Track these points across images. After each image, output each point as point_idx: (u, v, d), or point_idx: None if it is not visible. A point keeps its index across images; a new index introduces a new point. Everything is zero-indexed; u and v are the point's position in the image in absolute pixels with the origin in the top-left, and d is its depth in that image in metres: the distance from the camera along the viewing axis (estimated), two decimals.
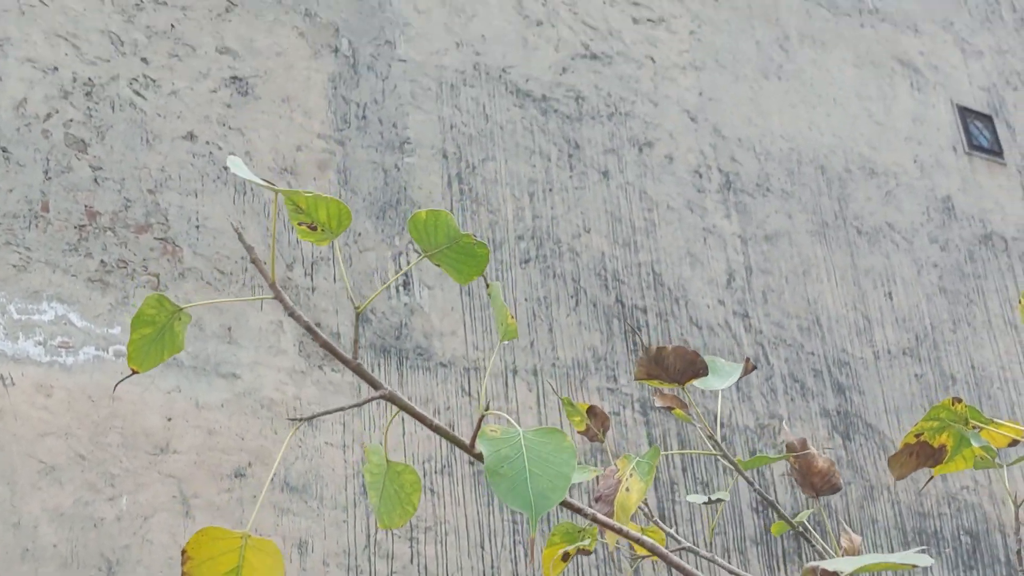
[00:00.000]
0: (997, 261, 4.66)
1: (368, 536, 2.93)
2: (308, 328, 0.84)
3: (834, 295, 4.16)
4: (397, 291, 3.28)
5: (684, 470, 3.57)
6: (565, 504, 0.89)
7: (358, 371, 0.86)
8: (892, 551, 3.85)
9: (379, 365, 3.15)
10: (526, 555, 3.17)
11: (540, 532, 3.21)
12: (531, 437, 0.84)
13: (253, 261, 0.86)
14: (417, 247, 3.37)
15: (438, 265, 0.96)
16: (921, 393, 4.19)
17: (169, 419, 2.79)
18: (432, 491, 3.08)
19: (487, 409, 0.85)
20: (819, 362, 4.00)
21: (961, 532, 4.01)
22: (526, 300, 3.51)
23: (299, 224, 0.92)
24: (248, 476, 2.83)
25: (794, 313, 4.03)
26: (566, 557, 1.18)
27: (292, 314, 0.85)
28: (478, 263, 0.94)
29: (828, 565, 0.78)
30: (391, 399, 0.86)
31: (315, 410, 2.99)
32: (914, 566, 0.75)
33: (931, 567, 3.88)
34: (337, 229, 0.93)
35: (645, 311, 3.72)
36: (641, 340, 3.55)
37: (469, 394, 3.27)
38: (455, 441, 0.88)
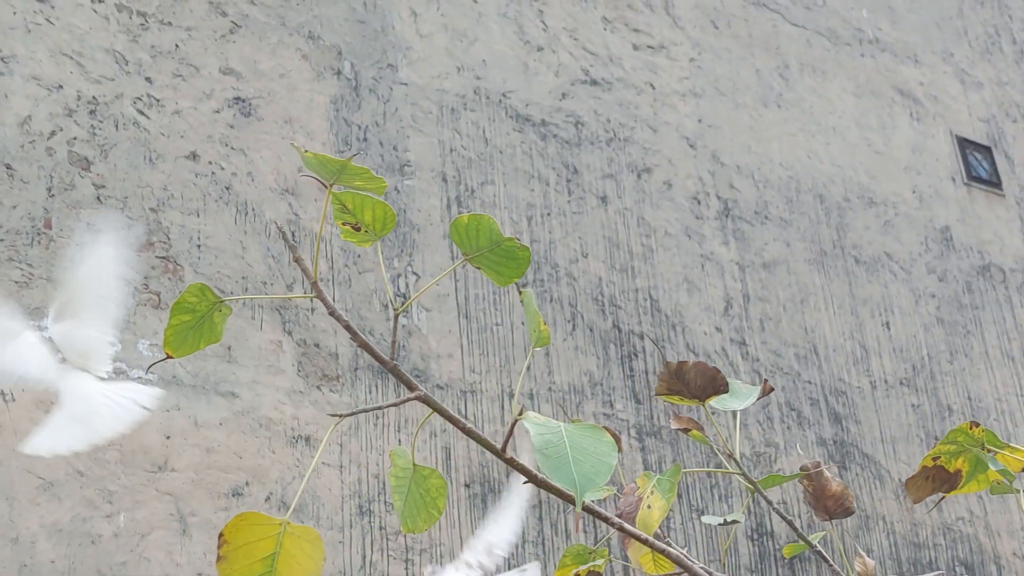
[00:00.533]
0: (995, 292, 4.68)
1: (364, 557, 2.93)
2: (348, 328, 0.85)
3: (832, 324, 4.17)
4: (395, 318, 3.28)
5: (680, 496, 3.57)
6: (592, 512, 0.90)
7: (395, 372, 0.87)
8: None
9: (376, 386, 3.16)
10: None
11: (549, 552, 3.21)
12: (572, 429, 0.86)
13: (296, 260, 0.87)
14: (413, 270, 3.38)
15: (478, 268, 0.97)
16: (918, 423, 4.20)
17: (168, 437, 2.80)
18: None
19: (521, 413, 0.87)
20: (816, 391, 4.01)
21: (956, 563, 4.01)
22: (523, 324, 3.52)
23: (343, 224, 0.93)
24: (245, 495, 2.83)
25: (791, 341, 4.04)
26: None
27: (333, 313, 0.86)
28: (519, 265, 0.95)
29: None
30: (426, 401, 0.87)
31: (313, 430, 2.99)
32: None
33: None
34: (381, 231, 0.94)
35: (642, 337, 3.73)
36: (663, 355, 3.56)
37: (466, 416, 3.27)
38: (486, 445, 0.89)
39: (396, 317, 0.85)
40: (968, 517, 4.12)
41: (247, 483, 2.84)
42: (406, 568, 2.98)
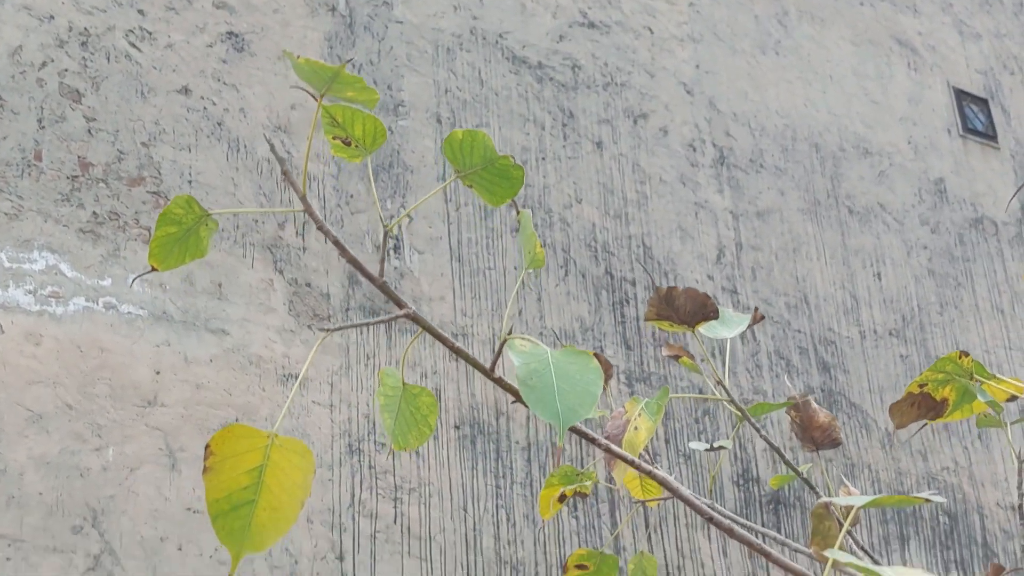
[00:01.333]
0: (987, 245, 4.68)
1: (353, 495, 2.94)
2: (337, 243, 0.84)
3: (823, 273, 4.17)
4: (387, 255, 3.28)
5: (667, 441, 3.58)
6: (578, 432, 0.90)
7: (383, 289, 0.86)
8: (871, 530, 3.87)
9: (367, 327, 3.15)
10: (508, 519, 3.18)
11: (539, 477, 3.22)
12: (559, 356, 0.85)
13: (284, 173, 0.85)
14: (410, 216, 3.37)
15: (470, 187, 0.95)
16: (906, 374, 4.21)
17: (157, 372, 2.79)
18: (417, 453, 3.08)
19: (510, 333, 0.86)
20: (805, 340, 4.01)
21: (939, 512, 4.04)
22: (515, 268, 3.51)
23: (334, 138, 0.92)
24: None
25: (782, 290, 4.04)
26: (562, 498, 1.18)
27: (321, 228, 0.85)
28: (512, 185, 0.94)
29: (840, 501, 0.79)
30: (414, 319, 0.86)
31: (302, 369, 2.99)
32: (927, 500, 0.75)
33: (909, 547, 3.91)
34: (371, 146, 0.92)
35: (634, 283, 3.72)
36: (652, 280, 3.55)
37: (457, 359, 3.27)
38: (476, 365, 0.88)
39: (385, 235, 0.83)
40: (953, 467, 4.15)
41: (237, 420, 2.84)
42: (395, 506, 2.99)
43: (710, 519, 0.83)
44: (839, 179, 4.39)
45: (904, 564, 3.88)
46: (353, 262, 0.85)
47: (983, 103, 4.94)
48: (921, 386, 1.16)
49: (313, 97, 0.88)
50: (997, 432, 4.30)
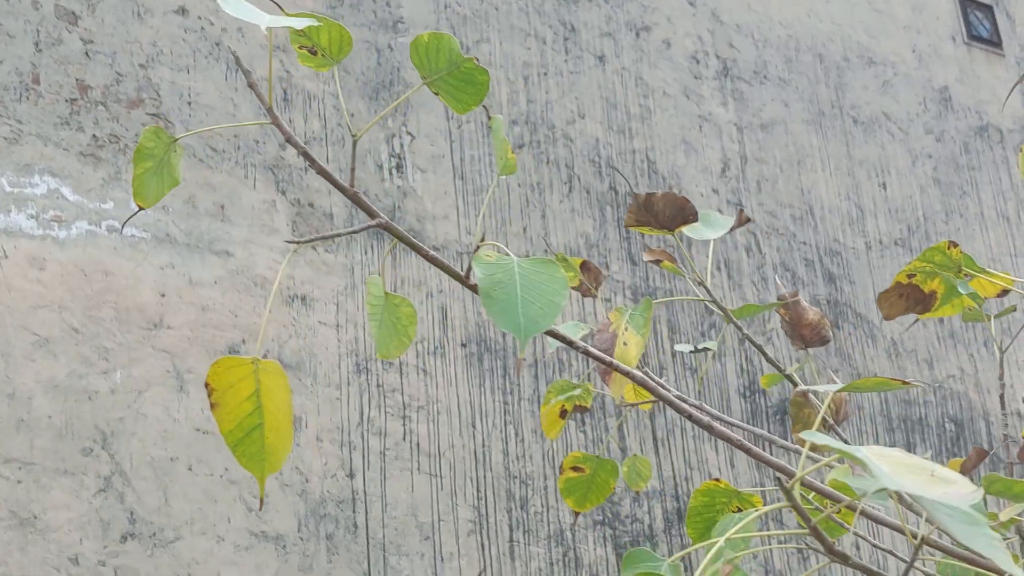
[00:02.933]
0: (992, 153, 4.65)
1: (362, 414, 2.96)
2: (305, 154, 0.83)
3: (828, 185, 4.15)
4: (391, 173, 3.26)
5: (673, 356, 3.59)
6: (555, 335, 0.90)
7: (355, 199, 0.86)
8: (877, 437, 3.90)
9: (372, 247, 3.15)
10: (516, 434, 3.20)
11: (538, 393, 3.24)
12: (525, 265, 0.85)
13: (250, 85, 0.85)
14: (408, 130, 3.35)
15: (436, 94, 0.94)
16: None
17: (163, 295, 2.80)
18: (424, 371, 3.10)
19: (482, 240, 0.85)
20: (811, 251, 4.01)
21: (946, 419, 4.06)
22: (519, 186, 3.50)
23: (300, 48, 0.91)
24: (242, 353, 2.84)
25: (787, 202, 4.03)
26: (564, 414, 1.19)
27: (289, 140, 0.84)
28: (478, 91, 0.93)
29: (817, 388, 0.79)
30: (387, 228, 0.86)
31: (309, 289, 2.99)
32: (904, 383, 0.76)
33: (915, 453, 3.93)
34: (338, 55, 0.92)
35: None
36: (631, 186, 3.54)
37: (467, 278, 3.27)
38: (451, 272, 0.88)
39: (355, 144, 0.83)
40: (959, 375, 4.16)
41: (243, 341, 2.86)
42: (403, 424, 3.01)
43: (689, 416, 0.83)
44: (843, 89, 4.35)
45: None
46: (323, 173, 0.84)
47: (988, 9, 4.89)
48: (910, 276, 1.15)
49: (278, 6, 0.88)
50: (1002, 339, 4.31)
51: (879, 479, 0.60)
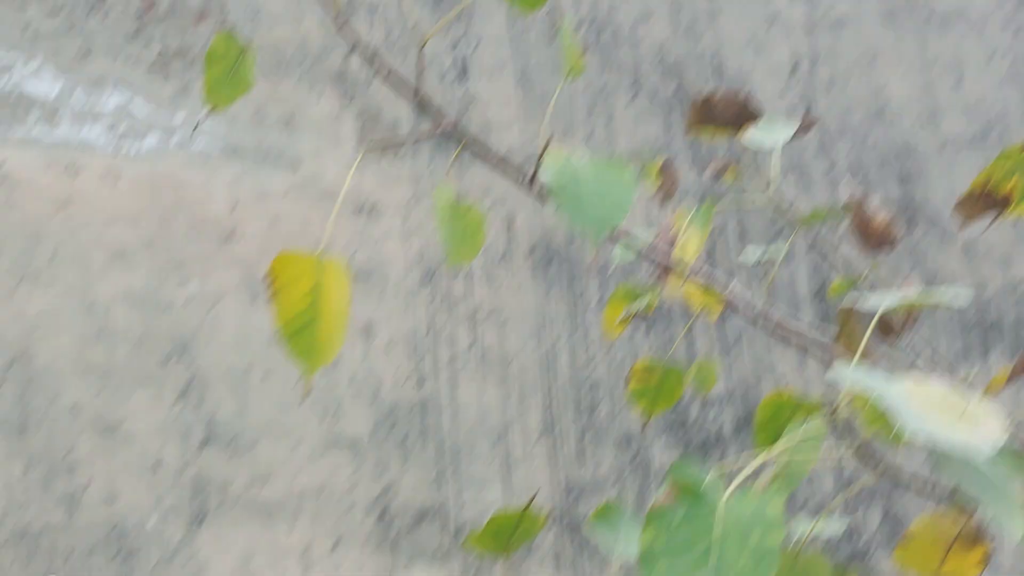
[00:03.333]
0: None
1: (429, 324, 2.99)
2: (371, 61, 0.84)
3: (901, 83, 4.07)
4: (454, 82, 3.25)
5: (714, 267, 3.58)
6: (621, 236, 0.91)
7: (422, 103, 0.86)
8: (950, 340, 3.87)
9: (436, 157, 3.16)
10: (583, 341, 3.22)
11: (602, 297, 3.25)
12: (593, 165, 0.85)
13: None
14: (470, 37, 3.33)
15: None
16: None
17: (234, 207, 2.83)
18: (492, 279, 3.12)
19: (549, 142, 0.86)
20: (884, 152, 3.95)
21: (1021, 324, 4.01)
22: (584, 91, 3.48)
23: None
24: None
25: (859, 102, 3.96)
26: (627, 318, 1.19)
27: (356, 48, 0.85)
28: None
29: (868, 302, 0.79)
30: (456, 130, 0.87)
31: (376, 200, 3.01)
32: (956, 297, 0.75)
33: (989, 357, 3.90)
34: None
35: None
36: (689, 90, 3.52)
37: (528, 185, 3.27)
38: (518, 176, 0.89)
39: (421, 48, 0.83)
40: None
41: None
42: (472, 331, 3.04)
43: (728, 303, 0.83)
44: None
45: (986, 375, 3.88)
46: (391, 80, 0.84)
47: None
48: (986, 181, 1.13)
49: None
50: None
51: (903, 419, 0.60)
